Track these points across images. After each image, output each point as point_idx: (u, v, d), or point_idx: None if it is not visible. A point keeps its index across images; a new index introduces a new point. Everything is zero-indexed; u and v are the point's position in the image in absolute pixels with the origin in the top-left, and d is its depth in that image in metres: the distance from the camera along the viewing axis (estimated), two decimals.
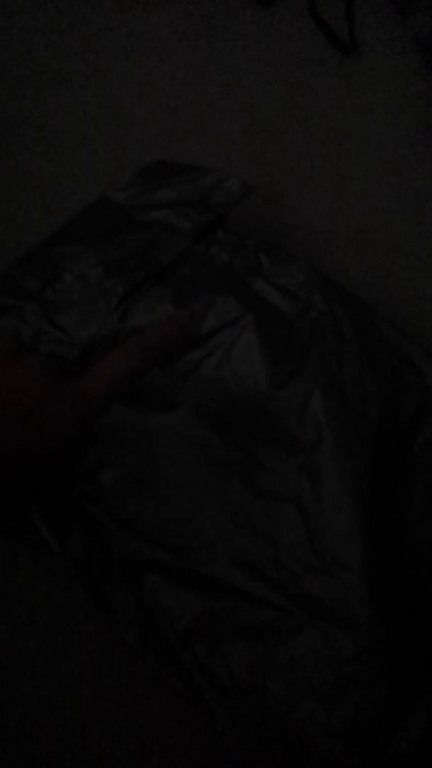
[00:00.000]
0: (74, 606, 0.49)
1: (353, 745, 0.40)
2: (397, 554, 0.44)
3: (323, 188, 0.63)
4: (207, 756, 0.45)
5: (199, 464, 0.47)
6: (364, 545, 0.42)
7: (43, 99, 0.68)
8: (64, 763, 0.46)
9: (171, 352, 0.47)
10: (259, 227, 0.59)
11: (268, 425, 0.46)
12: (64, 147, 0.66)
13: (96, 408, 0.45)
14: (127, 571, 0.45)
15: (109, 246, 0.50)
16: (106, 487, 0.46)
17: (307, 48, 0.70)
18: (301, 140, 0.66)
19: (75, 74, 0.69)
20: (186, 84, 0.68)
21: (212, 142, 0.66)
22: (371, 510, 0.44)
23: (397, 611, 0.42)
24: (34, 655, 0.48)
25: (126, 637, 0.44)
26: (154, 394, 0.48)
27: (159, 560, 0.45)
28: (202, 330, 0.48)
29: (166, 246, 0.50)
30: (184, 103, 0.68)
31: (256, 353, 0.47)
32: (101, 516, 0.46)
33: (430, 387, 0.48)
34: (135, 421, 0.48)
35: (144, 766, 0.45)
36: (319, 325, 0.48)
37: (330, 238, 0.61)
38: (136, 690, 0.47)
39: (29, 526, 0.46)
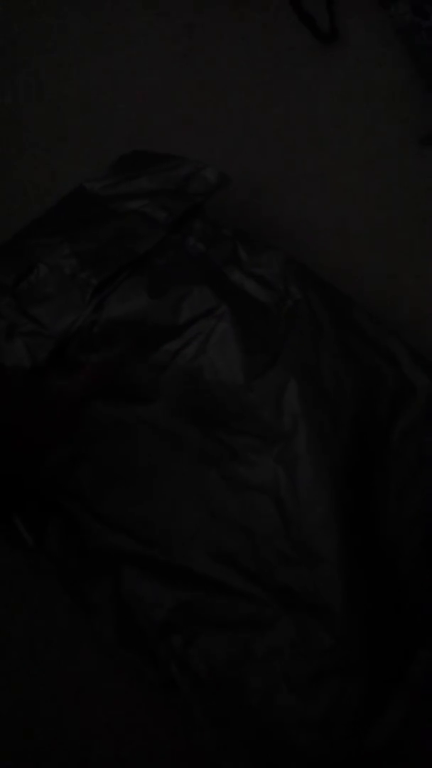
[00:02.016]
0: (51, 600, 0.48)
1: (329, 736, 0.40)
2: (373, 544, 0.44)
3: (304, 179, 0.63)
4: (183, 750, 0.45)
5: (177, 457, 0.46)
6: (340, 536, 0.42)
7: (24, 93, 0.67)
8: (46, 759, 0.46)
9: None
10: (238, 218, 0.59)
11: (245, 416, 0.46)
12: (44, 140, 0.65)
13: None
14: (104, 565, 0.45)
15: (83, 237, 0.49)
16: (83, 482, 0.46)
17: (287, 39, 0.70)
18: (281, 131, 0.65)
19: (56, 68, 0.68)
20: (167, 77, 0.68)
21: (193, 134, 0.65)
22: (347, 500, 0.43)
23: (374, 602, 0.42)
24: (10, 649, 0.48)
25: (102, 631, 0.44)
26: (130, 386, 0.48)
27: (136, 554, 0.45)
28: (178, 321, 0.47)
29: (141, 236, 0.49)
30: (165, 95, 0.67)
31: (232, 344, 0.46)
32: (78, 510, 0.46)
33: (407, 377, 0.48)
34: (112, 414, 0.48)
35: (121, 761, 0.45)
36: (295, 314, 0.48)
37: (310, 228, 0.60)
38: (113, 684, 0.46)
39: (4, 520, 0.45)
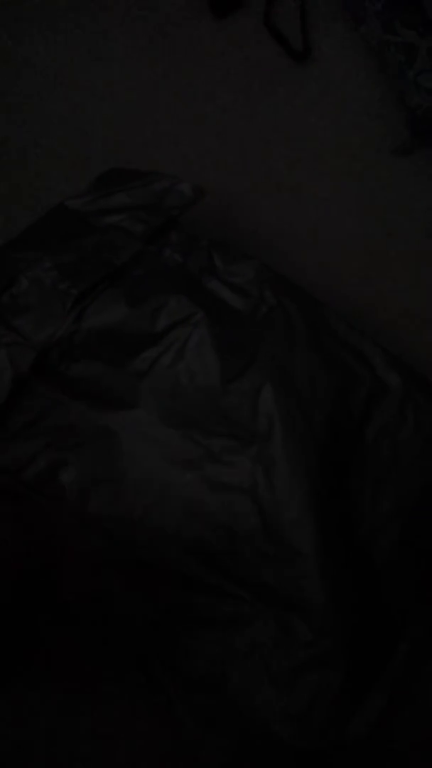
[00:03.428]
0: None
1: (310, 728, 0.41)
2: (350, 540, 0.45)
3: (279, 191, 0.65)
4: (166, 749, 0.45)
5: (157, 460, 0.47)
6: (317, 532, 0.43)
7: (5, 112, 0.69)
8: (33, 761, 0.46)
9: None
10: (215, 229, 0.60)
11: (222, 419, 0.47)
12: (25, 158, 0.67)
13: None
14: (87, 569, 0.46)
15: (63, 250, 0.51)
16: (65, 486, 0.47)
17: (262, 56, 0.72)
18: (256, 145, 0.67)
19: (37, 88, 0.70)
20: (145, 94, 0.70)
21: (171, 150, 0.67)
22: (324, 498, 0.44)
23: (351, 596, 0.43)
24: None
25: (87, 632, 0.45)
26: (111, 393, 0.49)
27: (118, 556, 0.45)
28: (156, 329, 0.49)
29: (119, 248, 0.51)
30: (144, 112, 0.69)
31: (208, 349, 0.48)
32: (60, 515, 0.47)
33: (380, 378, 0.49)
34: (93, 420, 0.49)
35: (107, 761, 0.46)
36: (270, 320, 0.49)
37: (285, 238, 0.62)
38: (97, 687, 0.47)
39: None
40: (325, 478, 0.45)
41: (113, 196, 0.54)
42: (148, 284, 0.50)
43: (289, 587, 0.43)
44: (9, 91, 0.70)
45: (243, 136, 0.68)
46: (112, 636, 0.44)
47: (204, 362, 0.48)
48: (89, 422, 0.49)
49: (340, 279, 0.60)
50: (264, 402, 0.46)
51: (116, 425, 0.48)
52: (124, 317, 0.49)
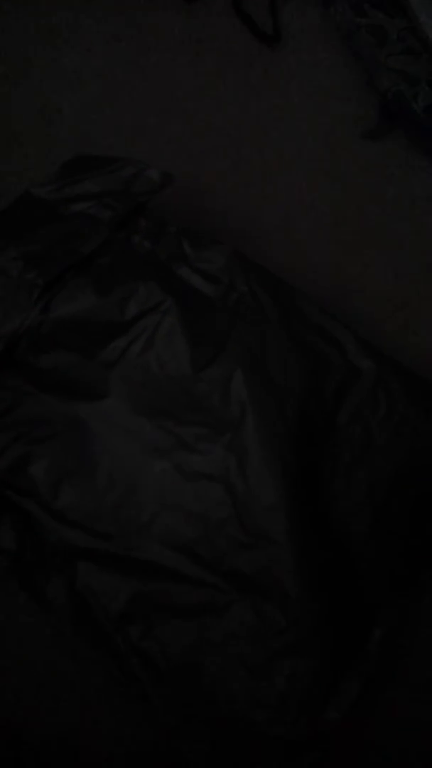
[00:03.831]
0: (10, 600, 0.49)
1: (286, 714, 0.41)
2: (323, 527, 0.45)
3: (249, 177, 0.64)
4: (144, 741, 0.45)
5: (130, 450, 0.47)
6: (289, 518, 0.43)
7: None
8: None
9: None
10: (185, 217, 0.60)
11: (194, 407, 0.46)
12: None
13: None
14: (60, 561, 0.45)
15: (30, 239, 0.50)
16: (36, 479, 0.46)
17: (232, 42, 0.71)
18: (226, 131, 0.66)
19: (2, 75, 0.69)
20: (113, 81, 0.69)
21: (140, 136, 0.66)
22: (296, 485, 0.44)
23: (325, 581, 0.43)
24: None
25: (59, 625, 0.44)
26: (81, 383, 0.48)
27: (91, 548, 0.45)
28: (125, 317, 0.48)
29: (86, 236, 0.50)
30: (112, 99, 0.68)
31: (179, 337, 0.47)
32: (33, 508, 0.46)
33: (352, 362, 0.49)
34: (63, 411, 0.48)
35: (85, 755, 0.45)
36: (240, 306, 0.49)
37: (256, 225, 0.62)
38: (72, 680, 0.47)
39: None
40: (298, 464, 0.45)
41: (80, 184, 0.54)
42: (117, 272, 0.49)
43: (263, 575, 0.43)
44: None
45: (212, 122, 0.67)
46: (86, 627, 0.44)
47: (174, 350, 0.47)
48: (59, 413, 0.48)
49: (312, 264, 0.60)
50: (235, 389, 0.46)
51: (87, 416, 0.47)
52: (92, 306, 0.48)
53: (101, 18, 0.71)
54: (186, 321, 0.48)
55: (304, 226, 0.62)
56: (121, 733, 0.45)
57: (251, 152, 0.65)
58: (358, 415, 0.48)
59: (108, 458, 0.47)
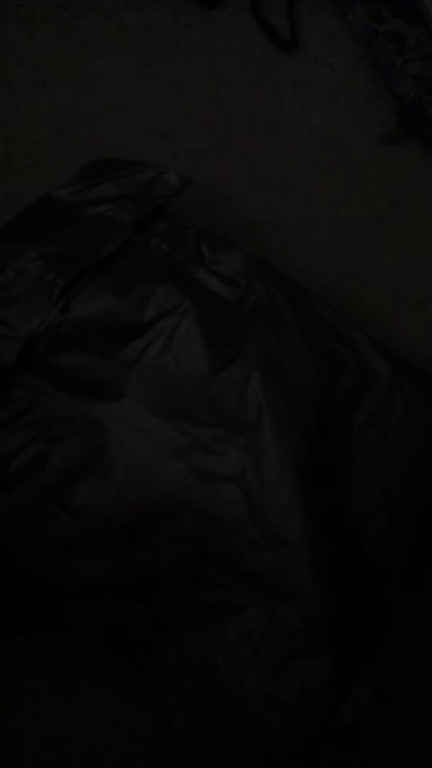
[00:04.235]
0: None
1: (299, 715, 0.41)
2: (338, 528, 0.45)
3: (266, 181, 0.64)
4: (158, 738, 0.45)
5: (146, 451, 0.47)
6: (305, 519, 0.43)
7: None
8: (28, 748, 0.46)
9: None
10: (203, 221, 0.60)
11: (211, 408, 0.47)
12: (12, 151, 0.67)
13: None
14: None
15: (49, 241, 0.51)
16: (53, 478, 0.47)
17: (249, 47, 0.72)
18: (243, 135, 0.67)
19: (24, 81, 0.70)
20: (133, 86, 0.70)
21: (158, 141, 0.67)
22: (312, 486, 0.44)
23: (340, 582, 0.43)
24: None
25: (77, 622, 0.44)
26: (99, 384, 0.49)
27: (107, 547, 0.45)
28: (143, 319, 0.49)
29: (106, 238, 0.51)
30: (131, 104, 0.69)
31: (196, 339, 0.48)
32: (49, 506, 0.46)
33: (368, 365, 0.49)
34: (81, 411, 0.48)
35: (98, 751, 0.46)
36: (257, 309, 0.49)
37: (272, 229, 0.62)
38: (88, 678, 0.47)
39: None
40: (314, 466, 0.45)
41: (99, 186, 0.54)
42: (135, 274, 0.50)
43: (278, 575, 0.43)
44: None
45: (230, 127, 0.67)
46: (100, 625, 0.44)
47: (192, 352, 0.47)
48: (77, 413, 0.48)
49: (328, 267, 0.60)
50: (252, 391, 0.46)
51: (104, 416, 0.48)
52: (111, 307, 0.49)
53: (118, 23, 0.72)
54: (203, 323, 0.48)
55: (320, 229, 0.62)
56: (135, 731, 0.46)
57: (268, 157, 0.66)
58: (373, 417, 0.48)
59: (124, 458, 0.47)
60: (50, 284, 0.48)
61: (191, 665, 0.43)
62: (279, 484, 0.44)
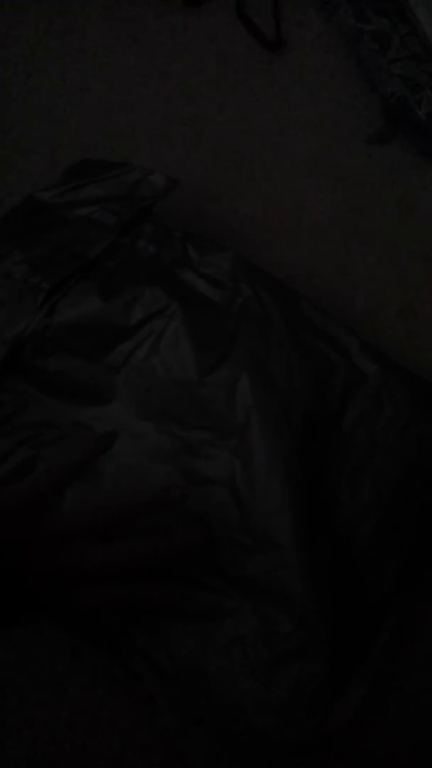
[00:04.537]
0: None
1: (291, 719, 0.41)
2: (328, 530, 0.45)
3: (252, 182, 0.64)
4: (149, 743, 0.45)
5: (134, 454, 0.47)
6: (295, 522, 0.43)
7: None
8: (17, 757, 0.46)
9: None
10: (190, 223, 0.60)
11: (199, 411, 0.46)
12: None
13: None
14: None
15: (34, 243, 0.50)
16: None
17: (235, 47, 0.71)
18: (229, 136, 0.67)
19: (6, 81, 0.69)
20: (118, 87, 0.69)
21: (144, 142, 0.67)
22: (301, 489, 0.44)
23: (331, 585, 0.43)
24: None
25: (63, 627, 0.44)
26: (86, 388, 0.48)
27: (96, 552, 0.45)
28: (130, 321, 0.48)
29: (91, 241, 0.50)
30: (116, 105, 0.68)
31: (184, 341, 0.47)
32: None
33: (357, 366, 0.49)
34: (69, 416, 0.48)
35: (88, 756, 0.45)
36: (245, 311, 0.49)
37: (260, 230, 0.62)
38: (77, 682, 0.47)
39: None
40: (303, 468, 0.45)
41: (84, 188, 0.54)
42: (122, 277, 0.49)
43: (268, 578, 0.43)
44: None
45: (216, 127, 0.67)
46: (90, 629, 0.44)
47: (180, 355, 0.47)
48: (64, 418, 0.48)
49: (316, 269, 0.60)
50: (241, 394, 0.46)
51: (92, 420, 0.48)
52: (97, 310, 0.48)
53: (103, 23, 0.72)
54: (191, 326, 0.48)
55: (307, 230, 0.62)
56: (126, 737, 0.45)
57: (254, 158, 0.65)
58: (362, 419, 0.48)
59: (112, 463, 0.47)
60: (35, 288, 0.48)
61: (182, 669, 0.42)
62: (268, 487, 0.44)
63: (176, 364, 0.47)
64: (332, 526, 0.45)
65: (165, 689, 0.42)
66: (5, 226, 0.53)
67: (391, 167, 0.64)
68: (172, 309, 0.48)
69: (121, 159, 0.59)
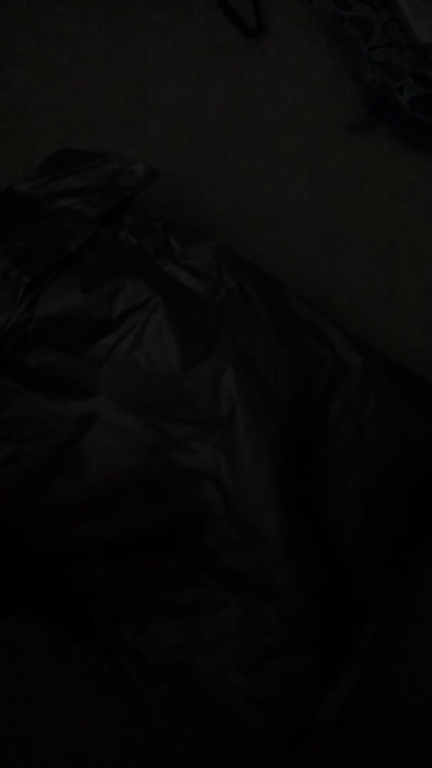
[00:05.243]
0: None
1: (279, 713, 0.41)
2: (314, 523, 0.44)
3: (235, 171, 0.64)
4: (138, 741, 0.45)
5: (119, 449, 0.46)
6: (281, 516, 0.43)
7: None
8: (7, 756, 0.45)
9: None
10: (171, 213, 0.59)
11: (184, 404, 0.46)
12: None
13: None
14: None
15: (14, 236, 0.49)
16: None
17: (214, 35, 0.70)
18: (211, 125, 0.66)
19: None
20: (94, 74, 0.68)
21: (123, 131, 0.66)
22: (287, 482, 0.44)
23: (317, 578, 0.43)
24: None
25: (50, 625, 0.44)
26: (70, 382, 0.48)
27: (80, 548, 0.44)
28: (113, 314, 0.48)
29: (72, 233, 0.49)
30: (94, 93, 0.67)
31: (167, 334, 0.47)
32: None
33: (341, 358, 0.48)
34: (52, 410, 0.48)
35: (78, 755, 0.45)
36: (229, 302, 0.49)
37: (243, 219, 0.61)
38: (65, 681, 0.46)
39: None
40: (289, 461, 0.45)
41: (64, 179, 0.53)
42: (103, 268, 0.49)
43: (255, 573, 0.42)
44: None
45: (196, 116, 0.66)
46: (78, 627, 0.44)
47: (163, 347, 0.47)
48: (48, 413, 0.48)
49: (299, 259, 0.59)
50: (225, 386, 0.46)
51: (75, 414, 0.47)
52: (79, 303, 0.48)
53: (79, 10, 0.70)
54: (174, 318, 0.47)
55: (290, 220, 0.61)
56: (114, 735, 0.45)
57: (236, 146, 0.65)
58: (347, 410, 0.48)
59: (97, 457, 0.46)
60: (15, 281, 0.47)
61: (170, 665, 0.42)
62: (254, 481, 0.44)
63: (159, 357, 0.47)
64: (319, 518, 0.45)
65: (154, 686, 0.42)
66: None
67: (375, 155, 0.64)
68: (154, 301, 0.47)
69: (100, 148, 0.58)
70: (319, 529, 0.44)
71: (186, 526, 0.44)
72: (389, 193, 0.62)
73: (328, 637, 0.42)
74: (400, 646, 0.47)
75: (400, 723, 0.46)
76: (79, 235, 0.49)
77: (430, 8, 0.67)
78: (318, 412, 0.47)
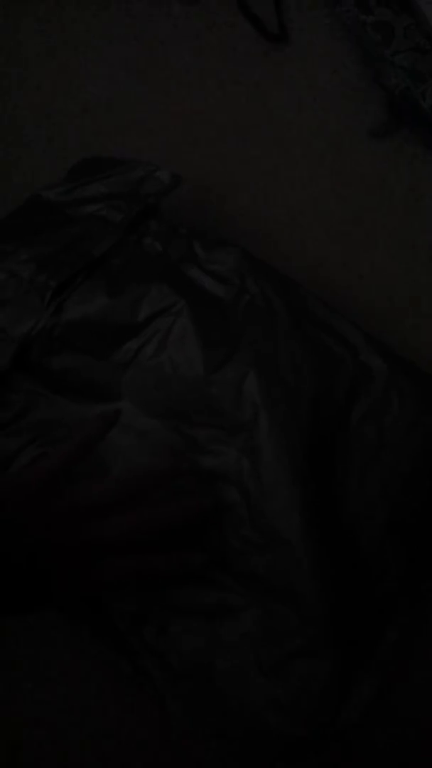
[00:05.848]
0: None
1: (300, 716, 0.41)
2: (337, 526, 0.45)
3: (257, 176, 0.64)
4: (158, 741, 0.45)
5: (142, 452, 0.47)
6: (303, 520, 0.43)
7: None
8: (27, 757, 0.46)
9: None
10: (194, 217, 0.60)
11: (207, 409, 0.47)
12: None
13: None
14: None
15: (40, 242, 0.50)
16: None
17: (237, 40, 0.71)
18: (233, 131, 0.66)
19: (5, 77, 0.69)
20: (118, 82, 0.69)
21: (146, 137, 0.66)
22: (309, 485, 0.44)
23: (339, 582, 0.43)
24: None
25: (72, 625, 0.44)
26: (94, 386, 0.48)
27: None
28: (137, 319, 0.48)
29: (98, 238, 0.50)
30: (117, 100, 0.68)
31: (191, 338, 0.47)
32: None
33: (363, 362, 0.49)
34: (77, 414, 0.48)
35: (98, 755, 0.46)
36: (252, 307, 0.49)
37: (265, 224, 0.62)
38: (86, 681, 0.47)
39: None
40: (311, 465, 0.45)
41: (90, 186, 0.54)
42: (129, 274, 0.50)
43: (276, 576, 0.43)
44: None
45: (219, 121, 0.67)
46: (100, 626, 0.44)
47: (187, 352, 0.47)
48: (73, 416, 0.48)
49: (321, 263, 0.60)
50: (248, 391, 0.46)
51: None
52: (104, 308, 0.48)
53: (102, 16, 0.71)
54: (198, 323, 0.48)
55: (312, 224, 0.62)
56: (136, 736, 0.46)
57: (259, 152, 0.65)
58: (370, 414, 0.48)
59: (120, 460, 0.47)
60: (42, 286, 0.48)
61: (191, 666, 0.43)
62: (276, 484, 0.44)
63: (183, 361, 0.47)
64: (340, 522, 0.45)
65: (174, 686, 0.42)
66: (10, 224, 0.53)
67: (396, 159, 0.64)
68: (179, 306, 0.48)
69: (123, 154, 0.59)
70: (341, 532, 0.45)
71: (210, 524, 0.44)
72: (411, 196, 0.63)
73: (349, 641, 0.43)
74: (424, 652, 0.47)
75: (420, 731, 0.46)
76: (104, 241, 0.50)
77: None
78: (340, 415, 0.47)
